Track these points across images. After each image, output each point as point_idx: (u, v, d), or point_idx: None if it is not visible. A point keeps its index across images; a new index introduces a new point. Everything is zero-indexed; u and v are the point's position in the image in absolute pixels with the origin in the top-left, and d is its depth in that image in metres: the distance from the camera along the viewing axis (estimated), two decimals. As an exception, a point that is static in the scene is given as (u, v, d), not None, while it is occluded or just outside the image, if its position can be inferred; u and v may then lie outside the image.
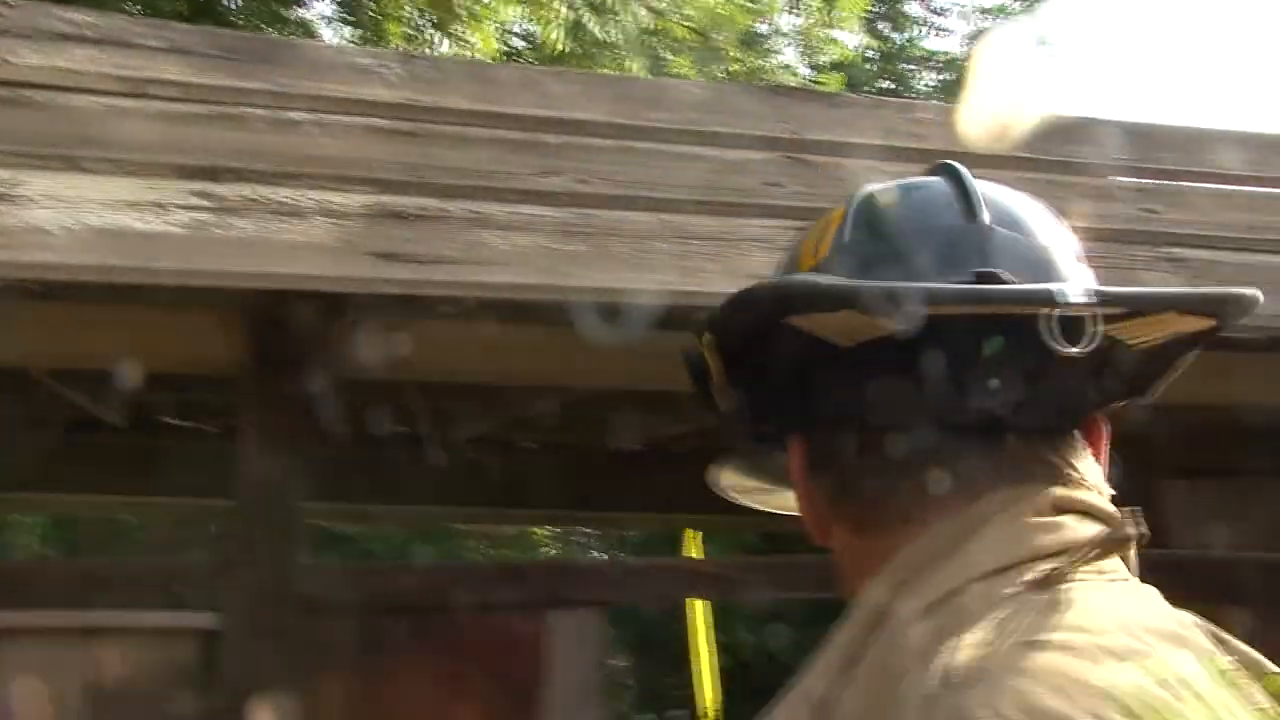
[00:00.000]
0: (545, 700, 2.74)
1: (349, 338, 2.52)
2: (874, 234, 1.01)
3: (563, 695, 2.66)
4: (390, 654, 2.65)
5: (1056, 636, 0.79)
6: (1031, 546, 0.87)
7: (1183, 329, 0.95)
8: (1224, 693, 0.81)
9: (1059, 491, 0.91)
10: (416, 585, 2.68)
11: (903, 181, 1.07)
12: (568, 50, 5.58)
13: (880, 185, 1.06)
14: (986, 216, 0.97)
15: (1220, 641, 0.87)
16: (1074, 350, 0.88)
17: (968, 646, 0.79)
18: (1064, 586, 0.84)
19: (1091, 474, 0.95)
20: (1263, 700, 0.83)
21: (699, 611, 7.93)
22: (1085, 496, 0.92)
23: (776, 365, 0.99)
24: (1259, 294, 0.94)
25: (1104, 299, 0.90)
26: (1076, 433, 0.96)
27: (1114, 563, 0.90)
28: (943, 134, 2.64)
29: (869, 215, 1.03)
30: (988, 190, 1.00)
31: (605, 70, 6.57)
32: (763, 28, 8.18)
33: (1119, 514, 0.92)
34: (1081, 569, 0.87)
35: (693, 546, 7.54)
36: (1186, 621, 0.87)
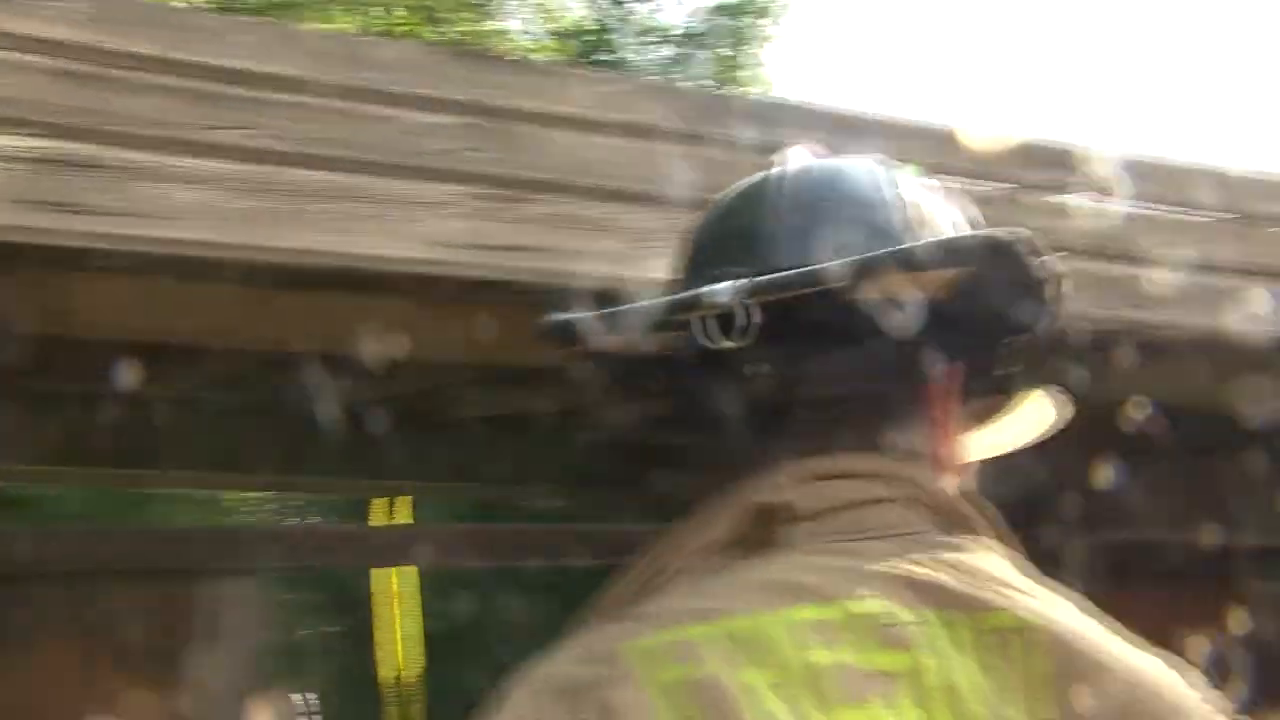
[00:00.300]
0: (202, 669, 2.67)
1: (23, 292, 2.39)
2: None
3: (224, 664, 2.60)
4: (35, 623, 2.53)
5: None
6: (729, 523, 0.98)
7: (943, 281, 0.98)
8: (822, 636, 0.88)
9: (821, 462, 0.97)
10: (63, 551, 2.56)
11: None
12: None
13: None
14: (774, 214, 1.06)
15: (925, 589, 0.91)
16: (728, 344, 0.96)
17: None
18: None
19: (912, 439, 1.01)
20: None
21: (392, 579, 7.89)
22: (861, 464, 0.98)
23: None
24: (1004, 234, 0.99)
25: (756, 290, 0.97)
26: (909, 398, 1.02)
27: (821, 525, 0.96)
28: (647, 105, 2.67)
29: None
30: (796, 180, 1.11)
31: (315, 24, 6.39)
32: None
33: (912, 479, 0.98)
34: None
35: (404, 512, 7.48)
36: (864, 573, 0.91)
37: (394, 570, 8.18)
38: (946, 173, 3.05)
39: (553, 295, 2.42)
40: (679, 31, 14.93)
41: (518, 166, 2.39)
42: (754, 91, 13.01)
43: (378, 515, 7.32)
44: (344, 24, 7.11)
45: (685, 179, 2.62)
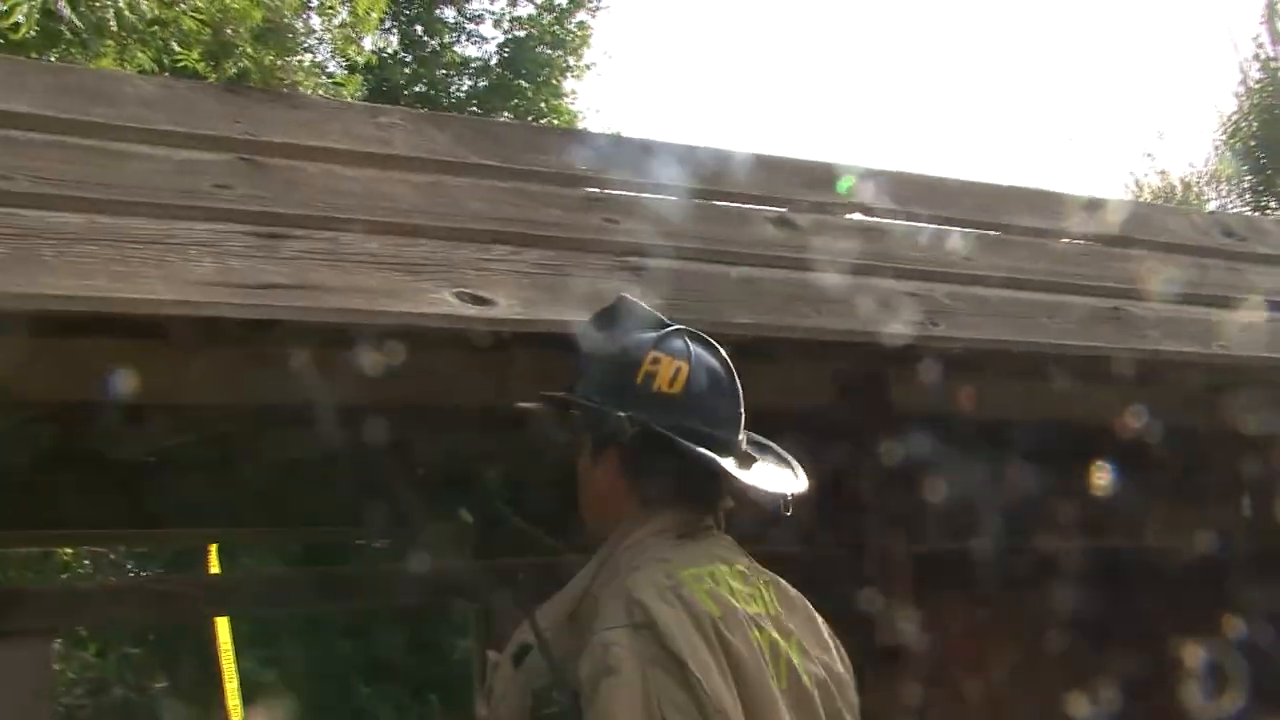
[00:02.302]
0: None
1: None
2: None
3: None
4: None
5: (655, 560, 2.00)
6: (664, 526, 2.06)
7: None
8: (740, 581, 2.05)
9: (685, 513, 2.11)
10: None
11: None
12: (32, 35, 5.17)
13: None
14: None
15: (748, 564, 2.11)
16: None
17: (638, 560, 2.02)
18: (678, 541, 2.05)
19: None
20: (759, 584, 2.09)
21: (223, 630, 7.66)
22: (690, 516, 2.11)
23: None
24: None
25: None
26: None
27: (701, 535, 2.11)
28: (408, 139, 2.62)
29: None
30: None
31: (104, 62, 6.19)
32: (296, 23, 7.93)
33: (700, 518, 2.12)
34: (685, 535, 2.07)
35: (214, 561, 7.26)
36: (731, 553, 2.11)
37: (221, 621, 7.95)
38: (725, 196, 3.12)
39: (322, 333, 2.37)
40: (490, 62, 14.92)
41: (277, 203, 2.32)
42: (540, 120, 13.05)
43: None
44: (144, 60, 6.89)
45: (457, 209, 2.59)
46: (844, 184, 3.25)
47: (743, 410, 2.10)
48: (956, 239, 3.44)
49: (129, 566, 11.96)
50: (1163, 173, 16.05)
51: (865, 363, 3.07)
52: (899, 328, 2.88)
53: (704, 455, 1.98)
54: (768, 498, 2.07)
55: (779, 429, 3.03)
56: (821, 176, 3.26)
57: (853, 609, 3.23)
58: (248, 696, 8.49)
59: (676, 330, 2.10)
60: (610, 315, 2.15)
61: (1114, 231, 3.77)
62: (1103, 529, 3.95)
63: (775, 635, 1.99)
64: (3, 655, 2.62)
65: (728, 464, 2.02)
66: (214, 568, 7.05)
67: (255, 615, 9.06)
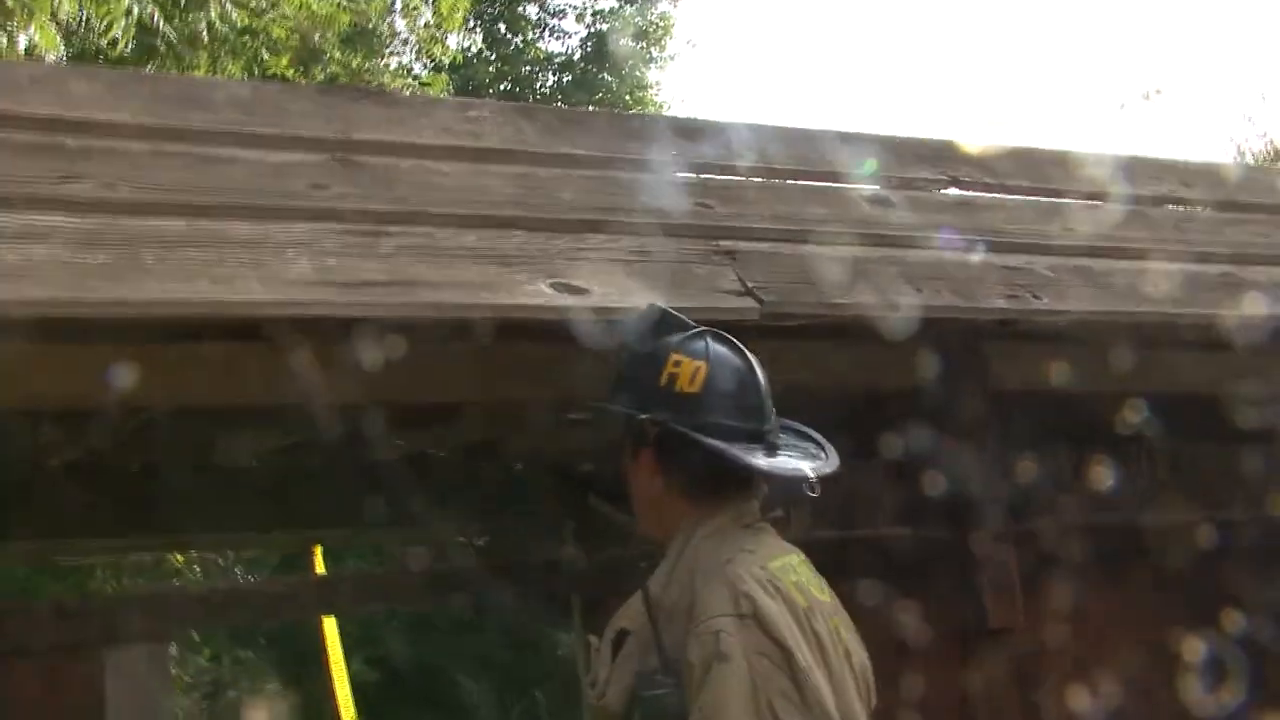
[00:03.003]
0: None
1: None
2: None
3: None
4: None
5: (742, 550, 2.06)
6: (731, 517, 2.13)
7: None
8: (809, 570, 2.13)
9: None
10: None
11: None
12: (130, 49, 5.28)
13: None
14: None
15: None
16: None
17: (726, 551, 2.05)
18: (741, 532, 2.12)
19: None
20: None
21: (331, 632, 7.76)
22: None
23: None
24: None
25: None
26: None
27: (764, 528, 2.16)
28: (499, 132, 2.62)
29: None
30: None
31: (197, 72, 6.29)
32: (382, 26, 8.02)
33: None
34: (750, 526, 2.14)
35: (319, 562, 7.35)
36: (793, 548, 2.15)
37: (329, 620, 8.06)
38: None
39: (426, 328, 2.38)
40: (573, 57, 14.96)
41: (372, 201, 2.33)
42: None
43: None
44: (234, 69, 7.01)
45: (549, 199, 2.59)
46: (868, 166, 3.18)
47: (768, 401, 2.18)
48: (1055, 210, 3.38)
49: (238, 571, 12.20)
50: (1266, 135, 15.65)
51: (966, 339, 3.02)
52: (1002, 302, 2.82)
53: (715, 445, 2.07)
54: (790, 481, 2.14)
55: (876, 409, 3.00)
56: (915, 153, 3.22)
57: (960, 591, 3.19)
58: (355, 697, 8.60)
59: (699, 332, 2.18)
60: (645, 324, 2.22)
61: (1220, 196, 3.67)
62: (1220, 502, 3.85)
63: (837, 623, 2.11)
64: (121, 661, 2.67)
65: (751, 453, 2.11)
66: (319, 569, 7.14)
67: (360, 616, 9.17)
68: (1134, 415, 3.42)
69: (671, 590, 2.07)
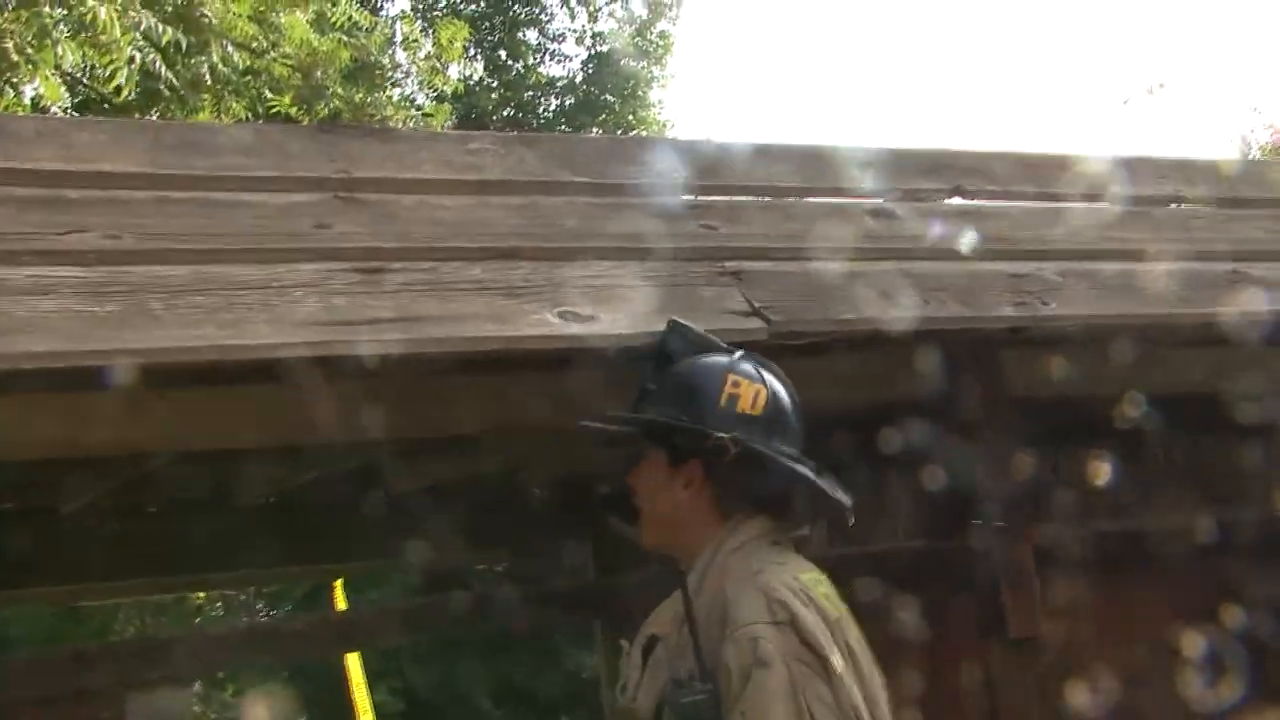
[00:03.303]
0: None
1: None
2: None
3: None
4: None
5: (772, 563, 2.11)
6: (755, 533, 2.17)
7: None
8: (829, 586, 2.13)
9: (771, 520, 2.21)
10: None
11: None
12: (134, 96, 5.32)
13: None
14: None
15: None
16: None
17: (755, 564, 2.11)
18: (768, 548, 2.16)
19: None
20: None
21: (354, 664, 7.75)
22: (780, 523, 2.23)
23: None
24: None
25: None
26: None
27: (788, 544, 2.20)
28: (500, 163, 2.63)
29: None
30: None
31: (201, 115, 6.33)
32: (383, 60, 8.05)
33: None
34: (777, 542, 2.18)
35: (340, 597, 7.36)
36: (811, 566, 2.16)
37: (352, 656, 8.07)
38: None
39: (436, 363, 2.39)
40: (575, 80, 15.01)
41: (376, 238, 2.34)
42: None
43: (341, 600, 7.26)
44: (238, 109, 7.06)
45: (554, 228, 2.60)
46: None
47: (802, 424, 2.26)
48: (1059, 214, 3.38)
49: (260, 607, 12.22)
50: (1272, 127, 15.61)
51: (977, 348, 3.02)
52: (1010, 310, 2.82)
53: (803, 473, 2.17)
54: (846, 508, 2.22)
55: (892, 419, 3.00)
56: (915, 164, 3.22)
57: (979, 600, 3.18)
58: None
59: (743, 354, 2.26)
60: (668, 339, 2.27)
61: (1223, 192, 3.67)
62: (1229, 499, 3.83)
63: (860, 635, 2.15)
64: (147, 704, 2.67)
65: (823, 479, 2.20)
66: (340, 603, 7.15)
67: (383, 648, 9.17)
68: (1144, 414, 3.42)
69: (701, 600, 2.08)
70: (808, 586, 2.09)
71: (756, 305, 2.54)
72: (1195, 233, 3.46)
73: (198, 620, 11.40)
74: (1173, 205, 3.61)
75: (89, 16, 5.07)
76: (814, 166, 3.05)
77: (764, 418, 2.17)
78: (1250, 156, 14.36)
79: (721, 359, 2.22)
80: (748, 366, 2.21)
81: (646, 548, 2.27)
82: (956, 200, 3.27)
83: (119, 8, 5.25)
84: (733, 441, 2.11)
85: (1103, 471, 3.50)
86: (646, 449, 2.22)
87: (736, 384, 2.18)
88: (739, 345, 2.31)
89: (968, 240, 2.99)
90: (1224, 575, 3.53)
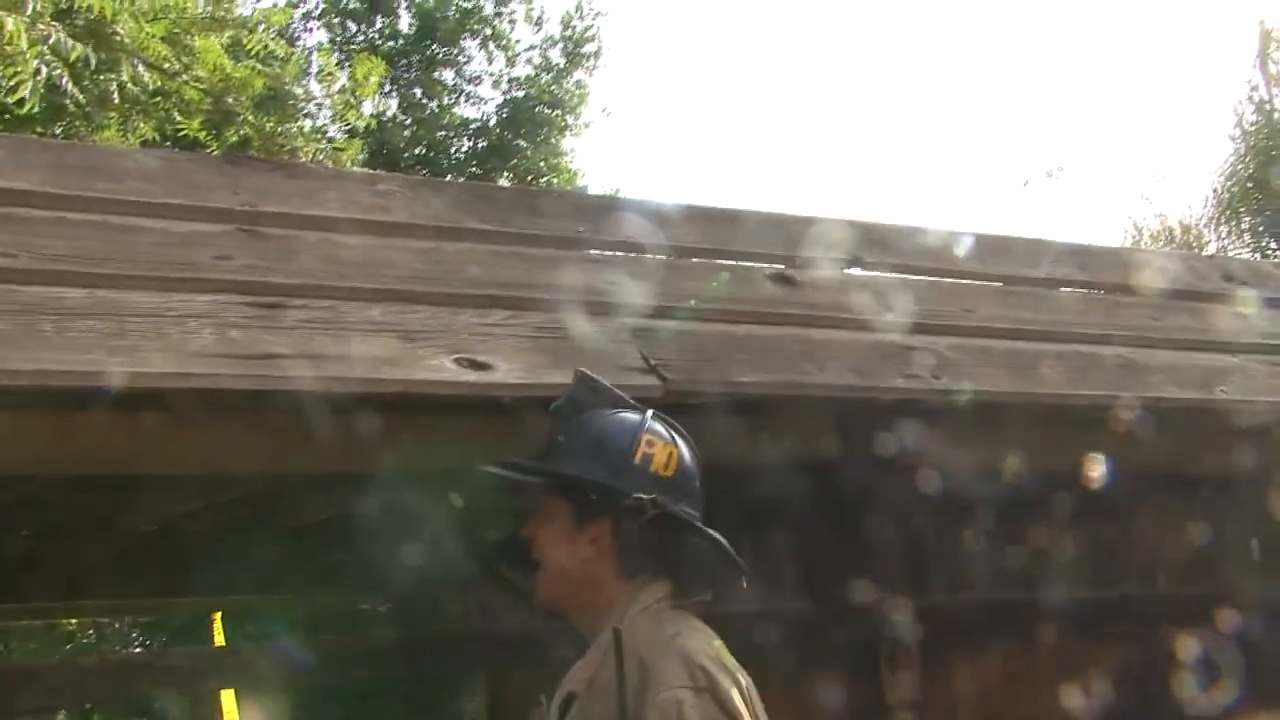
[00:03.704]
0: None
1: None
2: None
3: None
4: None
5: (686, 628, 2.09)
6: (659, 596, 2.14)
7: None
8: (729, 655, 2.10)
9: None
10: None
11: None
12: (37, 110, 5.22)
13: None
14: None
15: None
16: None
17: (669, 628, 2.09)
18: (673, 612, 2.13)
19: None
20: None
21: (228, 700, 7.59)
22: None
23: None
24: None
25: None
26: None
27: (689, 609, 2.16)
28: (407, 205, 2.63)
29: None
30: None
31: (107, 133, 6.24)
32: (296, 90, 7.99)
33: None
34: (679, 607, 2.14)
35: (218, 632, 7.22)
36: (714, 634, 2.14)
37: (227, 693, 7.89)
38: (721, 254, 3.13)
39: (321, 402, 2.38)
40: (489, 123, 15.01)
41: (276, 273, 2.33)
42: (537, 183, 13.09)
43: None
44: (146, 130, 6.96)
45: (456, 274, 2.60)
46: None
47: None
48: (956, 291, 3.45)
49: (135, 636, 11.92)
50: (1161, 216, 16.11)
51: (870, 416, 3.07)
52: (901, 381, 2.87)
53: (717, 538, 2.14)
54: (745, 572, 2.21)
55: (785, 483, 3.03)
56: (819, 232, 3.27)
57: (862, 664, 3.22)
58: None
59: (652, 414, 2.19)
60: (577, 391, 2.21)
61: (1114, 279, 3.78)
62: (1113, 577, 3.93)
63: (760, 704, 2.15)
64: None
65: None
66: (219, 637, 7.01)
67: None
68: (1035, 488, 3.50)
69: (604, 670, 2.05)
70: (720, 654, 2.08)
71: (653, 363, 2.56)
72: (1088, 317, 3.56)
73: (68, 647, 11.08)
74: (1064, 289, 3.71)
75: (-5, 26, 4.99)
76: (718, 228, 3.09)
77: (675, 480, 2.12)
78: (1140, 244, 14.79)
79: (634, 416, 2.16)
80: (659, 427, 2.16)
81: (539, 603, 2.20)
82: (856, 271, 3.33)
83: (27, 19, 5.17)
84: (653, 503, 2.07)
85: (982, 542, 3.57)
86: (548, 501, 2.16)
87: (651, 443, 2.12)
88: (644, 403, 2.26)
89: (864, 310, 3.05)
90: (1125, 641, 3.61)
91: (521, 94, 15.02)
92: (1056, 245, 3.90)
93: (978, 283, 3.54)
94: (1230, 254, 13.77)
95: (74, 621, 10.53)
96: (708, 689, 2.00)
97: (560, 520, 2.14)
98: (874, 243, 3.40)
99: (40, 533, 4.22)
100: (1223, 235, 15.23)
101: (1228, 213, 14.93)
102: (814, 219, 3.32)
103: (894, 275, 3.36)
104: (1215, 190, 15.22)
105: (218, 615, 6.81)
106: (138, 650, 11.24)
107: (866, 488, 3.18)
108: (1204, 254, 12.70)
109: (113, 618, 10.22)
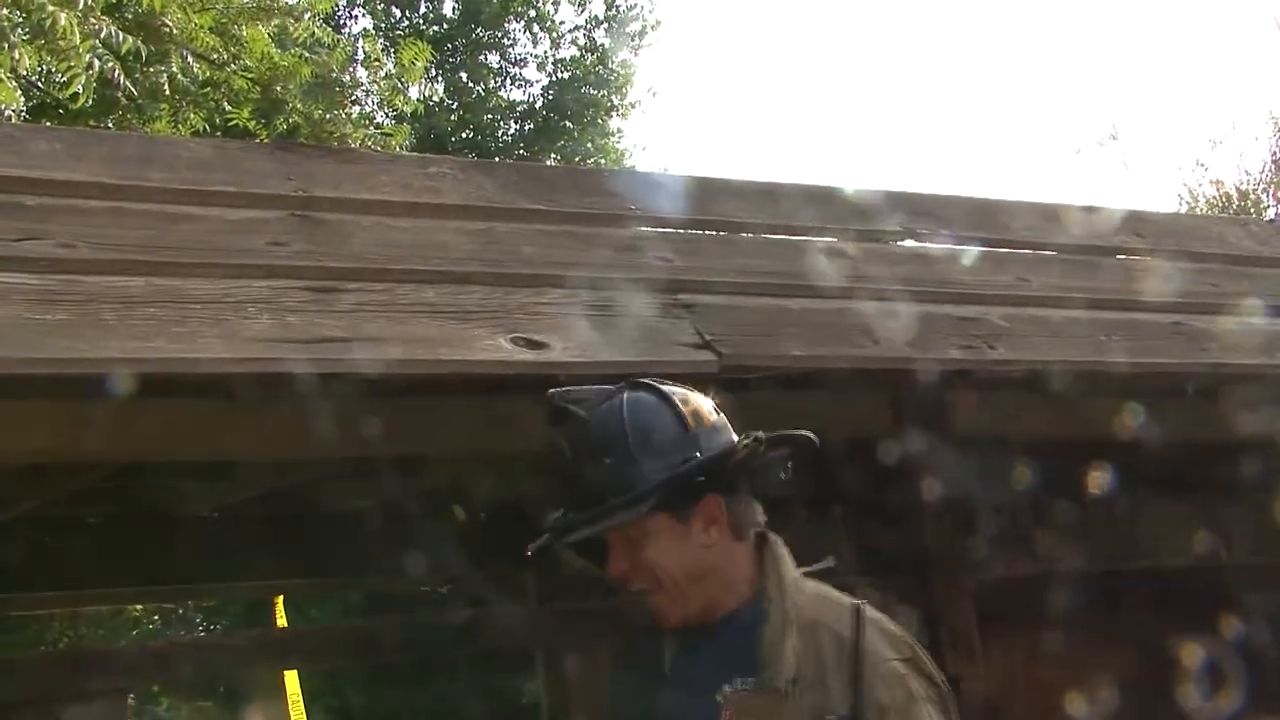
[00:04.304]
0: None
1: None
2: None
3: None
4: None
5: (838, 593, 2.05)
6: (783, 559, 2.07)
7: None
8: None
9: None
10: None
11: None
12: (90, 104, 5.28)
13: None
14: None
15: None
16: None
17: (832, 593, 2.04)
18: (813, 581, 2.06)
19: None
20: None
21: (291, 681, 7.70)
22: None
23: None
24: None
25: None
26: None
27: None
28: (458, 188, 2.65)
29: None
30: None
31: (158, 125, 6.30)
32: (343, 77, 8.04)
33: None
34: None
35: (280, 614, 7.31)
36: None
37: (290, 674, 8.00)
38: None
39: (385, 384, 2.40)
40: (535, 105, 15.03)
41: (331, 258, 2.34)
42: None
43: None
44: (196, 121, 7.02)
45: (509, 254, 2.61)
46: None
47: None
48: (1010, 260, 3.42)
49: (199, 620, 12.09)
50: (1218, 182, 15.88)
51: (923, 389, 3.05)
52: (956, 353, 2.86)
53: (794, 436, 2.01)
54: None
55: (839, 457, 3.03)
56: (870, 204, 3.26)
57: (918, 639, 3.20)
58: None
59: (644, 383, 2.01)
60: (563, 437, 1.99)
61: (1171, 246, 3.74)
62: (1174, 548, 3.89)
63: None
64: (79, 715, 2.65)
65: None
66: (281, 620, 7.10)
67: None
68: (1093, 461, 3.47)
69: (789, 639, 1.95)
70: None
71: (708, 338, 2.56)
72: (1144, 283, 3.52)
73: (134, 633, 11.25)
74: (1119, 256, 3.67)
75: (48, 22, 5.05)
76: (769, 203, 3.08)
77: (720, 419, 1.99)
78: (1195, 210, 14.59)
79: (645, 396, 1.97)
80: (669, 388, 1.98)
81: (676, 624, 2.00)
82: (909, 243, 3.31)
83: (79, 14, 5.22)
84: (756, 440, 1.93)
85: (1040, 515, 3.54)
86: (632, 529, 1.95)
87: (685, 400, 1.97)
88: (674, 379, 2.08)
89: (917, 282, 3.03)
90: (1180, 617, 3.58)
91: (567, 76, 15.02)
92: (1112, 212, 3.86)
93: (1032, 252, 3.51)
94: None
95: (139, 608, 10.70)
96: (911, 659, 1.97)
97: (663, 532, 1.96)
98: (926, 214, 3.38)
99: (105, 521, 4.29)
100: (1280, 200, 15.01)
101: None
102: (865, 191, 3.30)
103: (947, 246, 3.33)
104: (1273, 154, 14.98)
105: (279, 599, 6.89)
106: (202, 634, 11.40)
107: (921, 461, 3.16)
108: (1263, 219, 12.52)
109: (176, 603, 10.37)
